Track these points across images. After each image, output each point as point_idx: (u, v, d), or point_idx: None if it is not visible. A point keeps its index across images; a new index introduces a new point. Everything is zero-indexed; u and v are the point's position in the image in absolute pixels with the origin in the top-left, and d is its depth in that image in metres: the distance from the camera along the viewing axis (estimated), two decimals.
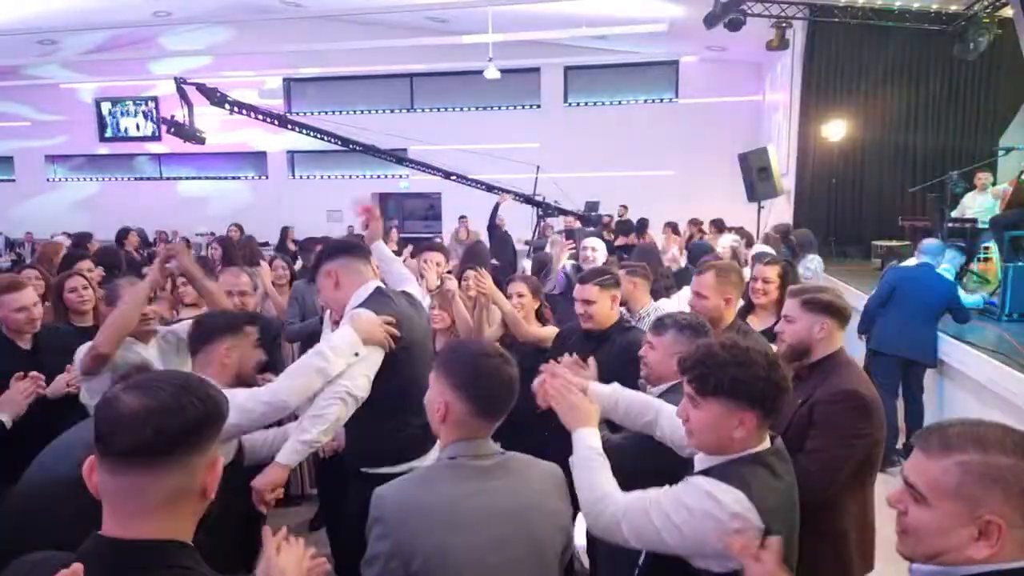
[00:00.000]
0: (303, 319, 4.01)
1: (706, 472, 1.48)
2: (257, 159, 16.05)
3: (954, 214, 6.86)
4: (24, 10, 11.26)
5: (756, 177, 9.06)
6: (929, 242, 4.81)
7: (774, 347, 2.17)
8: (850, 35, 9.71)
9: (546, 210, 10.14)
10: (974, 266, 6.47)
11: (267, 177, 16.04)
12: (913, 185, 8.64)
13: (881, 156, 10.11)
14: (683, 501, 1.44)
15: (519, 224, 10.75)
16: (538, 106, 14.77)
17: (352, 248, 2.43)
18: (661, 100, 14.30)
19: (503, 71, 11.55)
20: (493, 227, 9.84)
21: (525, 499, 1.45)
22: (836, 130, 10.00)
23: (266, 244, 9.90)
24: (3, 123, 16.16)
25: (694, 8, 9.15)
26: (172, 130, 9.30)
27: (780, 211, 10.59)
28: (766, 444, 1.51)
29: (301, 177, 16.06)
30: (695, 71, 13.94)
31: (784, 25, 9.01)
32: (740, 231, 7.40)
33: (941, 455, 1.04)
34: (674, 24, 10.32)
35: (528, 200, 10.47)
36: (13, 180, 16.70)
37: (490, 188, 10.31)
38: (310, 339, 3.47)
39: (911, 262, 5.05)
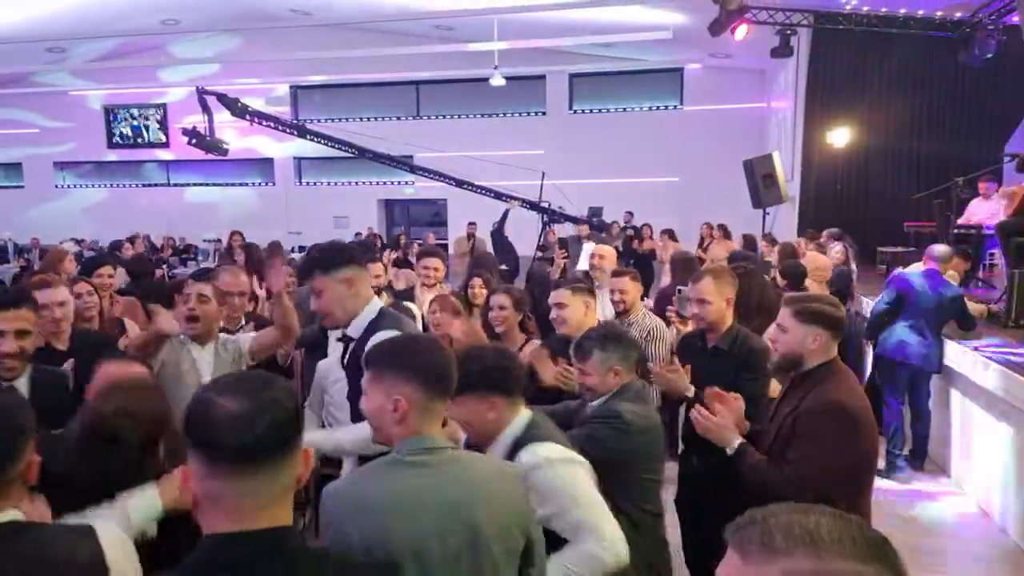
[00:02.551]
0: (304, 325, 4.01)
1: None
2: (264, 165, 16.15)
3: (959, 220, 6.85)
4: (33, 18, 11.38)
5: (761, 184, 9.06)
6: (936, 248, 4.80)
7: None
8: (855, 42, 9.73)
9: (552, 217, 10.16)
10: (980, 273, 6.46)
11: (274, 183, 16.13)
12: (918, 191, 8.63)
13: (886, 162, 10.11)
14: None
15: (526, 231, 10.79)
16: (543, 113, 14.83)
17: (364, 256, 2.37)
18: (665, 107, 14.35)
19: (508, 78, 11.61)
20: (499, 233, 9.84)
21: (471, 492, 1.44)
22: (841, 137, 10.01)
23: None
24: (12, 130, 16.30)
25: (699, 15, 9.18)
26: (193, 141, 9.28)
27: (785, 217, 10.60)
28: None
29: (307, 184, 16.15)
30: (699, 78, 13.99)
31: (789, 32, 9.04)
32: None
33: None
34: (679, 31, 10.36)
35: (534, 206, 10.50)
36: (22, 187, 16.84)
37: (498, 195, 10.34)
38: (314, 346, 3.47)
39: (917, 267, 5.04)
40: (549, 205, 10.55)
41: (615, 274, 2.79)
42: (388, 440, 1.50)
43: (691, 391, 2.48)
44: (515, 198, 10.26)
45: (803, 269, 4.56)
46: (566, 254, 4.78)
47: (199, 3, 11.68)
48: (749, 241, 8.19)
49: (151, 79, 14.98)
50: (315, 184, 16.10)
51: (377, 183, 15.68)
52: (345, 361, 2.30)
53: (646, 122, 14.14)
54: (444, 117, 15.20)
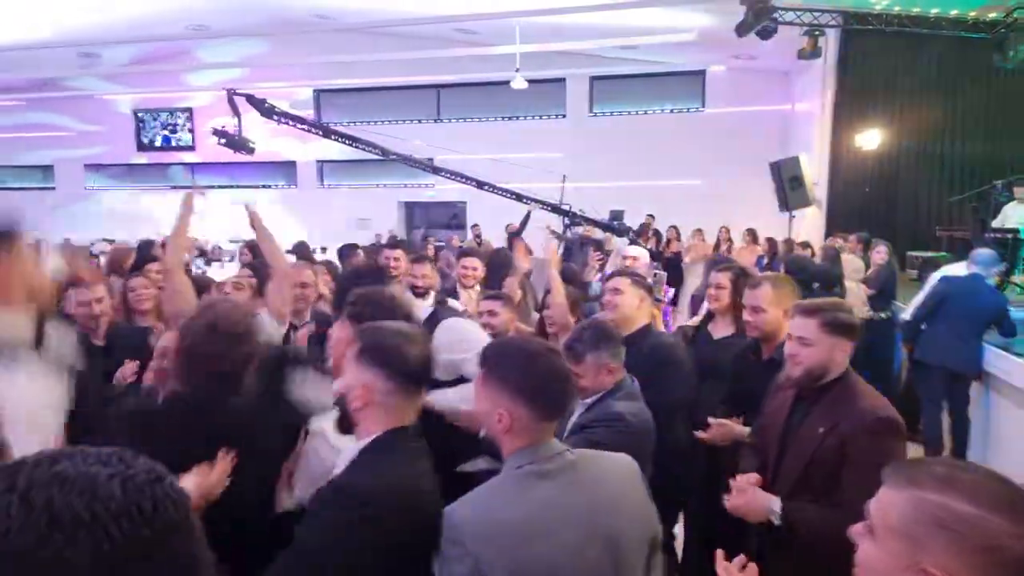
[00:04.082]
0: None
1: None
2: (287, 168, 16.31)
3: (994, 224, 6.71)
4: (66, 24, 11.61)
5: (788, 186, 8.95)
6: (981, 252, 4.69)
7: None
8: (885, 43, 9.58)
9: (573, 219, 10.13)
10: (1016, 278, 6.32)
11: (296, 186, 16.27)
12: (951, 195, 8.47)
13: (917, 165, 9.93)
14: None
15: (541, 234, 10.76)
16: (563, 116, 14.80)
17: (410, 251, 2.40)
18: (687, 109, 14.24)
19: (529, 81, 11.60)
20: (518, 236, 9.80)
21: (599, 497, 1.39)
22: (870, 139, 9.85)
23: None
24: (45, 133, 16.63)
25: (724, 17, 9.10)
26: (223, 141, 9.43)
27: (811, 221, 10.46)
28: None
29: (329, 186, 16.27)
30: (722, 80, 13.86)
31: (817, 33, 8.92)
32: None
33: (901, 488, 0.92)
34: (703, 33, 10.29)
35: (555, 209, 10.47)
36: (53, 188, 17.16)
37: (519, 197, 10.33)
38: None
39: (957, 270, 4.93)
40: (570, 208, 10.51)
41: (487, 297, 2.72)
42: (494, 439, 1.47)
43: (747, 434, 2.31)
44: (535, 200, 10.24)
45: (837, 272, 4.49)
46: (602, 256, 4.74)
47: (226, 9, 11.83)
48: (774, 245, 8.09)
49: (178, 83, 15.21)
50: (337, 186, 16.22)
51: (397, 186, 15.77)
52: None
53: (667, 124, 14.04)
54: (465, 120, 15.23)
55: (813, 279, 5.06)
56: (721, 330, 3.05)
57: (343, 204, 15.63)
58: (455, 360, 2.30)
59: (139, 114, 16.53)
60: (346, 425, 1.60)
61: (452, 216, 16.25)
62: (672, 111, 14.31)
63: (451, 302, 3.43)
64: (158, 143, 16.71)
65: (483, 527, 1.32)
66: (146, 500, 0.59)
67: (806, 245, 7.61)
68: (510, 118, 14.85)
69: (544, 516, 1.33)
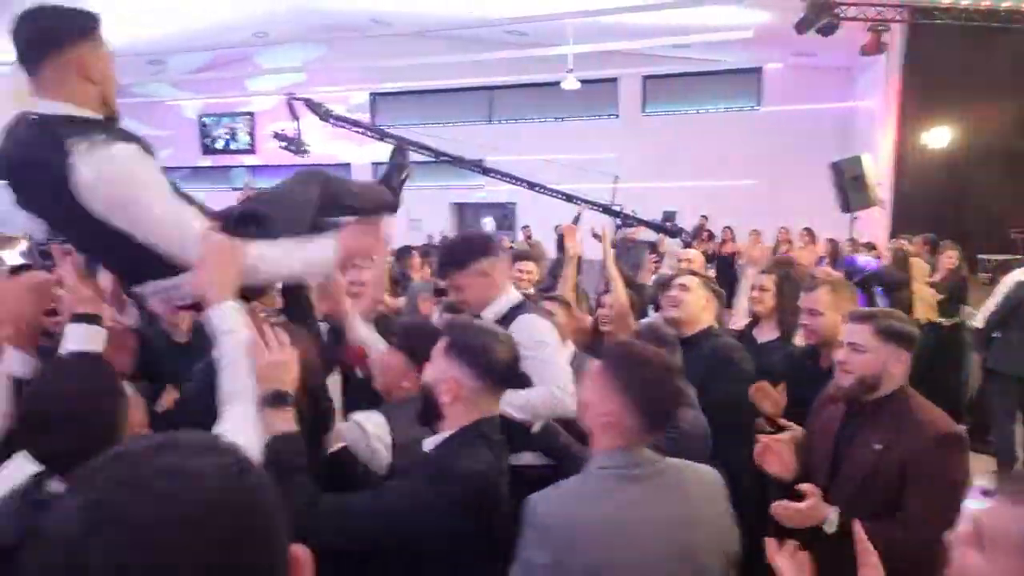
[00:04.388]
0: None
1: None
2: (342, 170, 16.68)
3: None
4: (138, 34, 12.17)
5: (849, 187, 8.67)
6: None
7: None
8: (953, 37, 9.18)
9: (625, 221, 10.04)
10: None
11: None
12: None
13: (989, 164, 9.48)
14: None
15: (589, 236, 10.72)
16: (616, 116, 14.70)
17: (494, 248, 2.37)
18: (742, 108, 13.95)
19: (581, 81, 11.57)
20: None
21: (684, 509, 1.40)
22: (939, 137, 9.47)
23: None
24: None
25: (782, 14, 8.90)
26: (283, 144, 9.76)
27: (874, 222, 10.11)
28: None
29: None
30: (780, 78, 13.53)
31: (881, 28, 8.63)
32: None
33: (1017, 504, 0.88)
34: (760, 30, 10.07)
35: (606, 210, 10.40)
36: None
37: (570, 198, 10.31)
38: None
39: None
40: (621, 209, 10.43)
41: (544, 299, 2.66)
42: (589, 430, 1.51)
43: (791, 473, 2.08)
44: (587, 202, 10.19)
45: (902, 275, 4.34)
46: (657, 258, 4.68)
47: (287, 16, 12.21)
48: (835, 246, 7.86)
49: (241, 89, 15.75)
50: None
51: (449, 187, 15.94)
52: None
53: (722, 124, 13.79)
54: (516, 121, 15.30)
55: (874, 282, 4.91)
56: (765, 334, 2.98)
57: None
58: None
59: (204, 119, 17.19)
60: (428, 415, 1.65)
61: (502, 217, 16.33)
62: (727, 110, 14.05)
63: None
64: (220, 146, 17.34)
65: (566, 522, 1.35)
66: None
67: (871, 247, 7.38)
68: (561, 119, 14.84)
69: (625, 520, 1.35)
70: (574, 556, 1.31)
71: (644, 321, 2.98)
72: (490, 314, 2.27)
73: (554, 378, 2.07)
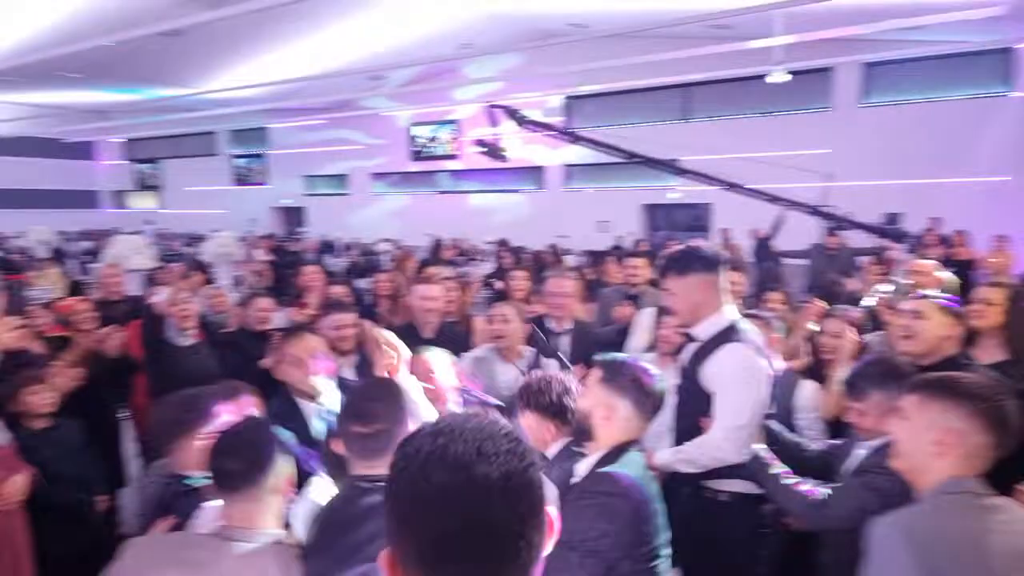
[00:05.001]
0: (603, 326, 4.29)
1: None
2: (536, 173, 17.22)
3: None
4: (360, 53, 13.59)
5: None
6: None
7: None
8: None
9: (838, 224, 9.20)
10: None
11: (544, 189, 17.12)
12: None
13: None
14: None
15: (801, 238, 9.96)
16: (828, 108, 13.50)
17: (724, 264, 2.36)
18: (988, 95, 12.07)
19: (789, 73, 10.78)
20: (767, 242, 9.18)
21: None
22: None
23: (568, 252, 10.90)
24: (342, 147, 19.65)
25: None
26: (484, 150, 10.36)
27: None
28: None
29: (574, 190, 16.82)
30: None
31: None
32: None
33: None
34: (1013, 6, 8.64)
35: (815, 212, 9.61)
36: (348, 194, 20.20)
37: (773, 199, 9.67)
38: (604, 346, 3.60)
39: None
40: (833, 210, 9.56)
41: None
42: (911, 471, 1.57)
43: None
44: (792, 202, 9.49)
45: None
46: (883, 268, 4.22)
47: (489, 28, 12.87)
48: None
49: (446, 99, 16.88)
50: (581, 190, 16.70)
51: (640, 188, 15.76)
52: (687, 361, 2.38)
53: (961, 113, 12.04)
54: (714, 119, 14.70)
55: None
56: (989, 354, 2.60)
57: (586, 207, 16.09)
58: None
59: (413, 128, 18.72)
60: (581, 437, 1.96)
61: (695, 218, 15.79)
62: (968, 97, 12.25)
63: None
64: (427, 153, 18.78)
65: (935, 541, 1.41)
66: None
67: None
68: (765, 114, 13.98)
69: (987, 546, 1.39)
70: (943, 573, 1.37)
71: (875, 351, 2.72)
72: (701, 332, 2.25)
73: (723, 419, 2.15)
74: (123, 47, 10.04)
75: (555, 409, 2.02)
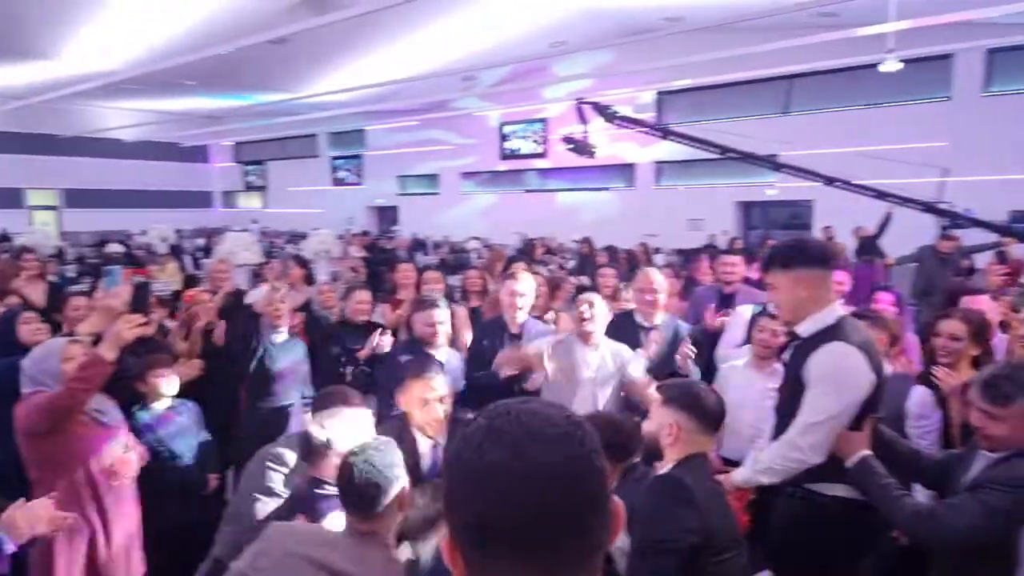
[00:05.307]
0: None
1: None
2: (626, 171, 16.98)
3: None
4: (455, 54, 13.85)
5: None
6: None
7: None
8: None
9: (955, 222, 8.53)
10: None
11: (634, 187, 16.85)
12: None
13: None
14: None
15: (913, 237, 9.30)
16: (947, 98, 12.54)
17: (832, 259, 2.29)
18: None
19: (903, 61, 10.09)
20: (874, 240, 8.62)
21: None
22: None
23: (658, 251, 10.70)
24: (433, 147, 20.13)
25: None
26: (571, 146, 10.35)
27: None
28: None
29: (665, 187, 16.46)
30: None
31: None
32: None
33: None
34: None
35: (929, 208, 8.95)
36: (438, 193, 20.68)
37: (881, 195, 9.08)
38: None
39: None
40: (950, 207, 8.87)
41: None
42: None
43: None
44: (902, 198, 8.87)
45: None
46: (1008, 269, 3.89)
47: (582, 24, 12.79)
48: None
49: (537, 97, 16.94)
50: (672, 188, 16.33)
51: (734, 185, 15.24)
52: (787, 360, 2.33)
53: None
54: (818, 111, 14.00)
55: None
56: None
57: (678, 204, 15.73)
58: None
59: (503, 127, 18.91)
60: (651, 458, 2.12)
61: (793, 216, 15.11)
62: None
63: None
64: (516, 152, 18.91)
65: None
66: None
67: None
68: (874, 105, 13.17)
69: None
70: None
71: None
72: (804, 330, 2.16)
73: (800, 415, 2.13)
74: (233, 55, 10.69)
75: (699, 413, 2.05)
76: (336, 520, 1.95)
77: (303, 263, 5.96)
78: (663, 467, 2.00)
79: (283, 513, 2.20)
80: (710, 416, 2.00)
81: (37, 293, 4.99)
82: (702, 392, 2.04)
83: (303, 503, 2.17)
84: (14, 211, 20.23)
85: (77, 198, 21.85)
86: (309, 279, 5.76)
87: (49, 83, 13.87)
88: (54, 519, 1.98)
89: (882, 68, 9.83)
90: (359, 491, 1.75)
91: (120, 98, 16.92)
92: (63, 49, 12.48)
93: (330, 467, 2.12)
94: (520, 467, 0.70)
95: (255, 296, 4.42)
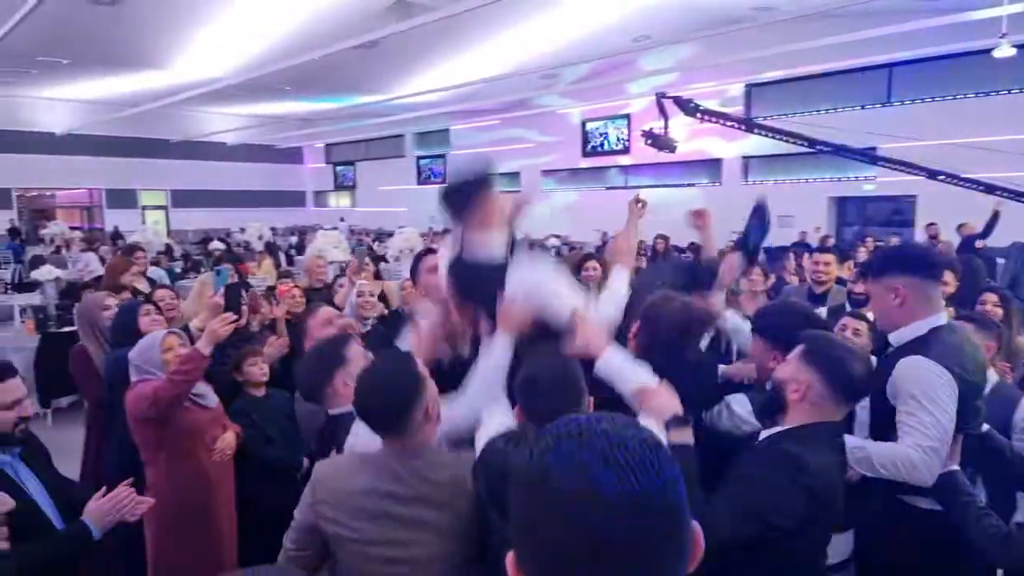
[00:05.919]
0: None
1: None
2: (711, 166, 16.51)
3: None
4: (538, 51, 13.88)
5: None
6: None
7: None
8: None
9: None
10: None
11: (720, 183, 16.36)
12: None
13: None
14: None
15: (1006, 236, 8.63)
16: None
17: (933, 268, 2.13)
18: None
19: (1018, 47, 9.31)
20: (982, 237, 8.00)
21: None
22: None
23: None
24: (514, 145, 20.25)
25: None
26: (649, 141, 10.21)
27: None
28: None
29: (753, 183, 15.89)
30: None
31: None
32: None
33: None
34: None
35: None
36: (519, 191, 20.78)
37: (990, 189, 8.47)
38: None
39: None
40: None
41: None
42: None
43: None
44: (1015, 193, 8.23)
45: None
46: None
47: (668, 17, 12.53)
48: None
49: (620, 93, 16.73)
50: (761, 183, 15.74)
51: (828, 180, 14.52)
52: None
53: None
54: (922, 101, 13.12)
55: None
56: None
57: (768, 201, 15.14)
58: None
59: (586, 124, 18.79)
60: (772, 408, 1.87)
61: (893, 212, 14.25)
62: None
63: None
64: (598, 148, 18.75)
65: None
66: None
67: None
68: (986, 93, 12.22)
69: None
70: None
71: None
72: (895, 339, 2.07)
73: (924, 444, 1.90)
74: (326, 60, 11.17)
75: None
76: (363, 434, 1.85)
77: (377, 260, 6.16)
78: (784, 422, 1.78)
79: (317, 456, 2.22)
80: (849, 388, 1.73)
81: (142, 287, 5.42)
82: (848, 357, 1.73)
83: (326, 437, 2.18)
84: (129, 211, 21.95)
85: (183, 198, 23.45)
86: (378, 275, 5.96)
87: (160, 91, 14.97)
88: (131, 506, 2.10)
89: (996, 54, 9.10)
90: (379, 412, 1.68)
91: (223, 104, 18.04)
92: (174, 60, 13.42)
93: (341, 394, 2.12)
94: (590, 499, 0.66)
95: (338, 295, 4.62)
